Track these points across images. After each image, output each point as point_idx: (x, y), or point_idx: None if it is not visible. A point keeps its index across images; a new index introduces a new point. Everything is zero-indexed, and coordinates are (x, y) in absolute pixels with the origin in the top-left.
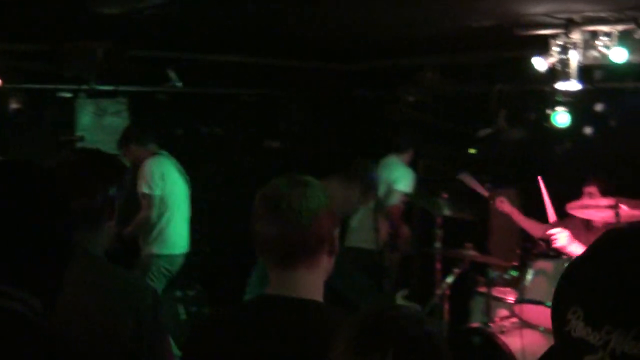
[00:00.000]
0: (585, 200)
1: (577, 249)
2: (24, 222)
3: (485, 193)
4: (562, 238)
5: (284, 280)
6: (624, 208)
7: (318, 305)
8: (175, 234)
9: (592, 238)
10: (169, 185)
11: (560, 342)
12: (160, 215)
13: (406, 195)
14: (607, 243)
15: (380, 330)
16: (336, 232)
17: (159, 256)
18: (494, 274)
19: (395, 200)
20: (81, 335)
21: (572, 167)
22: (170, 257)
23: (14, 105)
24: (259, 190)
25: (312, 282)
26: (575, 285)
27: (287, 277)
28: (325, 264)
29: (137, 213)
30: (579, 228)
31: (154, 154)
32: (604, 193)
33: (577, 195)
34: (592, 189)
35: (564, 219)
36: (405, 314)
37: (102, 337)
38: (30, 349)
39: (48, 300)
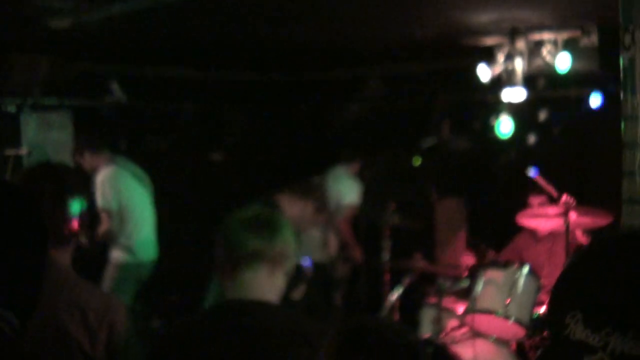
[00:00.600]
0: (536, 210)
1: None
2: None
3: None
4: None
5: (243, 284)
6: (573, 216)
7: (273, 306)
8: (141, 241)
9: (541, 249)
10: (127, 194)
11: (558, 346)
12: (123, 225)
13: (354, 207)
14: (601, 248)
15: (361, 342)
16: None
17: (126, 265)
18: (443, 284)
19: (343, 212)
20: (56, 350)
21: (516, 177)
22: (138, 265)
23: None
24: (203, 202)
25: (271, 284)
26: (573, 290)
27: (246, 280)
28: (283, 277)
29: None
30: (525, 241)
31: (108, 161)
32: (551, 202)
33: (521, 204)
34: (541, 199)
35: (512, 237)
36: (385, 325)
37: (76, 351)
38: None
39: (24, 315)
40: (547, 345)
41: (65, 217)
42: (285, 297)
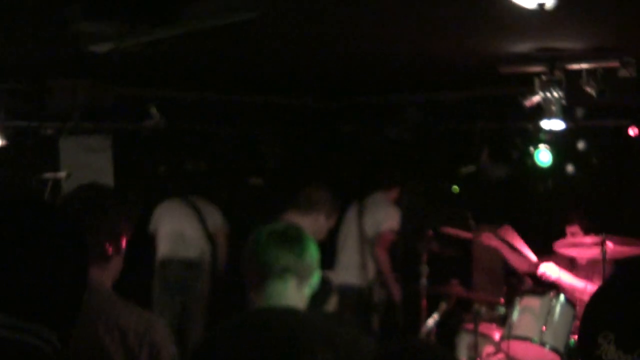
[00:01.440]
0: (572, 239)
1: (566, 277)
2: (40, 257)
3: (469, 235)
4: (552, 271)
5: (272, 293)
6: (610, 245)
7: (301, 313)
8: None
9: (578, 276)
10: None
11: None
12: None
13: (393, 232)
14: (632, 271)
15: None
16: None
17: None
18: (480, 310)
19: (381, 239)
20: None
21: (554, 205)
22: None
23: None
24: (242, 224)
25: (300, 294)
26: (605, 311)
27: (276, 290)
28: (309, 288)
29: None
30: (564, 266)
31: None
32: (587, 231)
33: (560, 232)
34: (574, 229)
35: (549, 256)
36: (424, 347)
37: None
38: None
39: (64, 334)
40: None
41: (106, 237)
42: (319, 310)
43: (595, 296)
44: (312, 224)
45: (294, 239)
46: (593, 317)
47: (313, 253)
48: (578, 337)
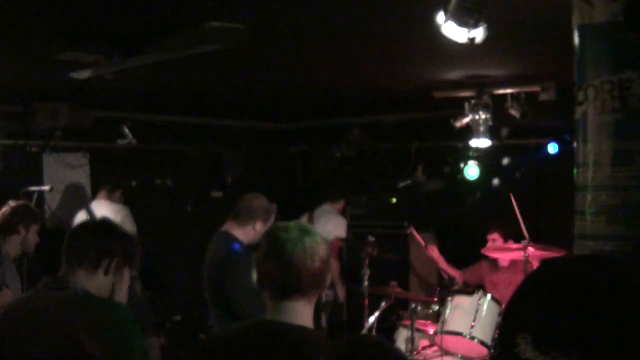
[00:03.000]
0: (499, 244)
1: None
2: None
3: (422, 242)
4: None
5: (284, 309)
6: (530, 250)
7: (312, 331)
8: None
9: (501, 277)
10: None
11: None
12: None
13: (340, 240)
14: (547, 274)
15: (356, 357)
16: (329, 275)
17: None
18: (416, 308)
19: (331, 246)
20: None
21: (481, 215)
22: None
23: None
24: (205, 232)
25: (307, 313)
26: (524, 311)
27: (288, 307)
28: (315, 300)
29: None
30: (487, 269)
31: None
32: (506, 239)
33: (485, 239)
34: (494, 236)
35: (473, 264)
36: (374, 342)
37: None
38: None
39: None
40: (497, 357)
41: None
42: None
43: (514, 296)
44: (250, 231)
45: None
46: (512, 317)
47: None
48: (498, 334)
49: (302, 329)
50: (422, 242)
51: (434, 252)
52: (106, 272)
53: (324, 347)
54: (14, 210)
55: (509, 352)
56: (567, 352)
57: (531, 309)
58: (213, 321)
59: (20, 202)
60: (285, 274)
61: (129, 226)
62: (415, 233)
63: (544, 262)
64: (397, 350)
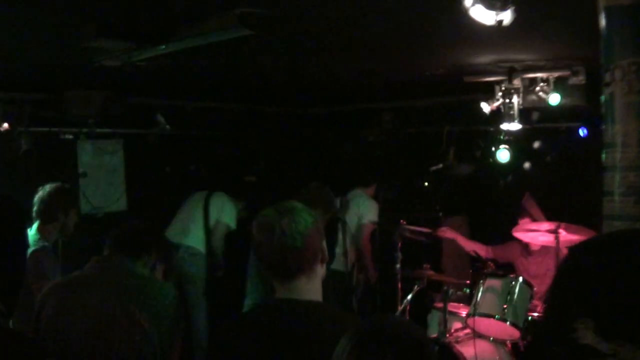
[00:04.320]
0: (529, 224)
1: (462, 239)
2: None
3: (427, 230)
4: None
5: (289, 288)
6: (562, 232)
7: (318, 304)
8: None
9: (532, 261)
10: None
11: (562, 345)
12: None
13: (373, 223)
14: (610, 253)
15: (377, 338)
16: (324, 243)
17: None
18: (449, 291)
19: (364, 230)
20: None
21: (513, 198)
22: None
23: (24, 147)
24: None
25: (310, 287)
26: (582, 296)
27: (291, 286)
28: (319, 271)
29: None
30: (518, 252)
31: None
32: (536, 221)
33: (516, 222)
34: (525, 220)
35: (504, 243)
36: (398, 323)
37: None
38: None
39: (10, 305)
40: (545, 341)
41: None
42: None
43: (567, 277)
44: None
45: None
46: (568, 300)
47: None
48: (547, 318)
49: (307, 303)
50: (426, 230)
51: (447, 233)
52: (145, 264)
53: (333, 316)
54: (51, 196)
55: (564, 338)
56: (636, 339)
57: (593, 292)
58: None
59: (57, 185)
60: (274, 258)
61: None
62: (444, 233)
63: (599, 240)
64: (421, 332)
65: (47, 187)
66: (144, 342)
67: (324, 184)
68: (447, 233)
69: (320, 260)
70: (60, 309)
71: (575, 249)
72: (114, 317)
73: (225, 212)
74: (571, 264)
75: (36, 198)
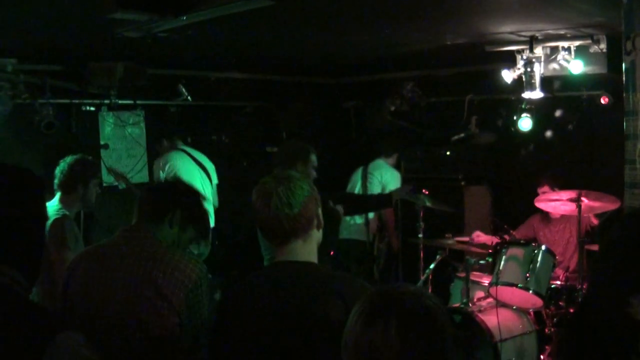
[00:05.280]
0: (550, 193)
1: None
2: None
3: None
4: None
5: (285, 251)
6: (585, 200)
7: (311, 264)
8: None
9: (554, 230)
10: (181, 174)
11: (615, 319)
12: None
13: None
14: None
15: (383, 303)
16: (319, 210)
17: None
18: (471, 260)
19: None
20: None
21: (535, 167)
22: None
23: (46, 119)
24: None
25: (307, 250)
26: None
27: (287, 249)
28: (315, 235)
29: None
30: (538, 222)
31: (175, 149)
32: (555, 190)
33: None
34: (544, 189)
35: (524, 222)
36: (405, 291)
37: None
38: (16, 316)
39: (31, 276)
40: (597, 313)
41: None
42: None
43: (621, 251)
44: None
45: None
46: (624, 276)
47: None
48: (598, 289)
49: (301, 263)
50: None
51: (481, 238)
52: (171, 225)
53: (323, 275)
54: (71, 167)
55: (618, 312)
56: None
57: None
58: None
59: (78, 157)
60: (271, 223)
61: None
62: (478, 238)
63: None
64: (434, 301)
65: (68, 159)
66: (170, 313)
67: (299, 140)
68: (480, 238)
69: (316, 225)
70: (87, 279)
71: (626, 220)
72: (140, 288)
73: None
74: (622, 235)
75: (57, 170)
